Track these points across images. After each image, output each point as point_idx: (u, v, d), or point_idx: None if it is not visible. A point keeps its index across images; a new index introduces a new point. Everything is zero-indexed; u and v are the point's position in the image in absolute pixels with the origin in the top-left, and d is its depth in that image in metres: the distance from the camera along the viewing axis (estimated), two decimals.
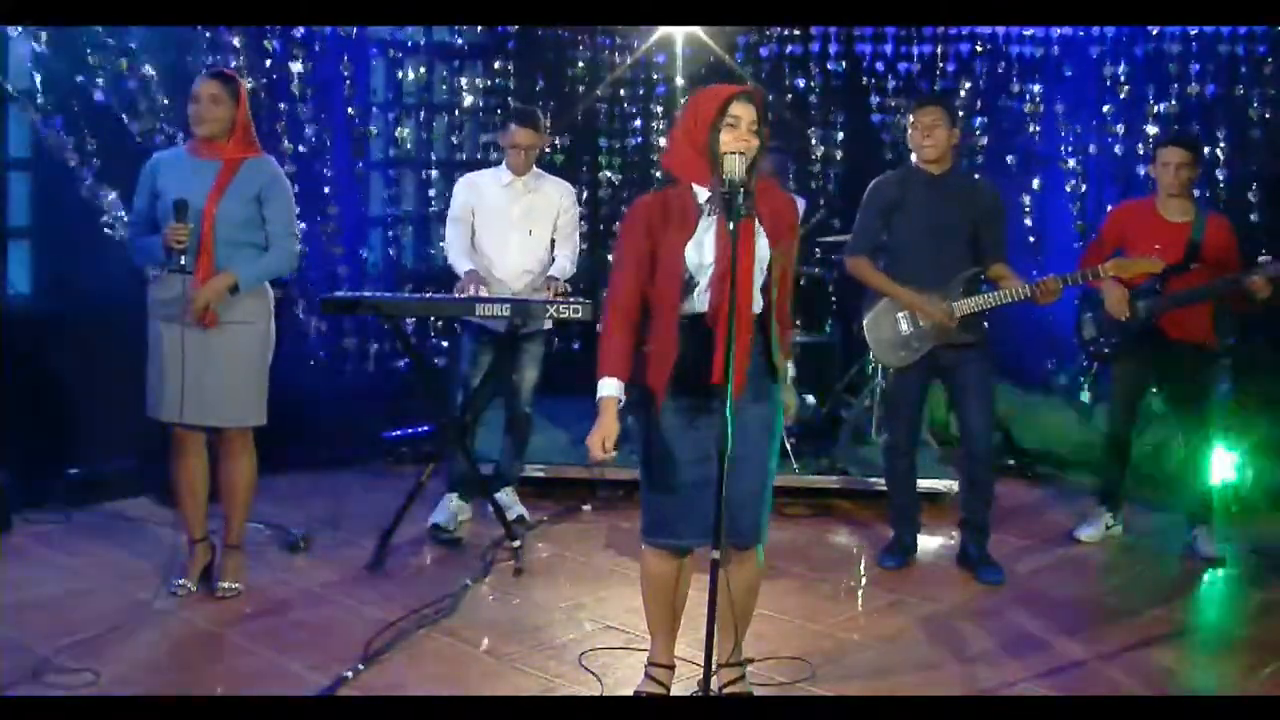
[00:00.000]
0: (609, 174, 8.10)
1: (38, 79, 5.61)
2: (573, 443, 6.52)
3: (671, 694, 3.82)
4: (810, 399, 6.70)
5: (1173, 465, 5.86)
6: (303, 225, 6.45)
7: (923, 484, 5.60)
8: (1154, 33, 6.79)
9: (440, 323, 7.21)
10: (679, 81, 7.67)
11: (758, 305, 3.56)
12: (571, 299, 5.17)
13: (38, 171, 5.81)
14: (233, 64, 6.07)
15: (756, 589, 3.81)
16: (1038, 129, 7.14)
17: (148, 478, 5.84)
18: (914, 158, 5.15)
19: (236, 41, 6.15)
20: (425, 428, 6.89)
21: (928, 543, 5.57)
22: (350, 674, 4.00)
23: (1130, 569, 5.46)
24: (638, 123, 8.04)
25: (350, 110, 6.87)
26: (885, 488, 5.56)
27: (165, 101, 5.82)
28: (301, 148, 6.52)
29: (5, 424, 5.48)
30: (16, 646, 4.15)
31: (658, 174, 8.06)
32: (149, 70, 5.82)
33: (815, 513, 6.08)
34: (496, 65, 7.60)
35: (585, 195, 8.02)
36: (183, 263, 4.37)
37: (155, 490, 5.76)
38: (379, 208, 7.34)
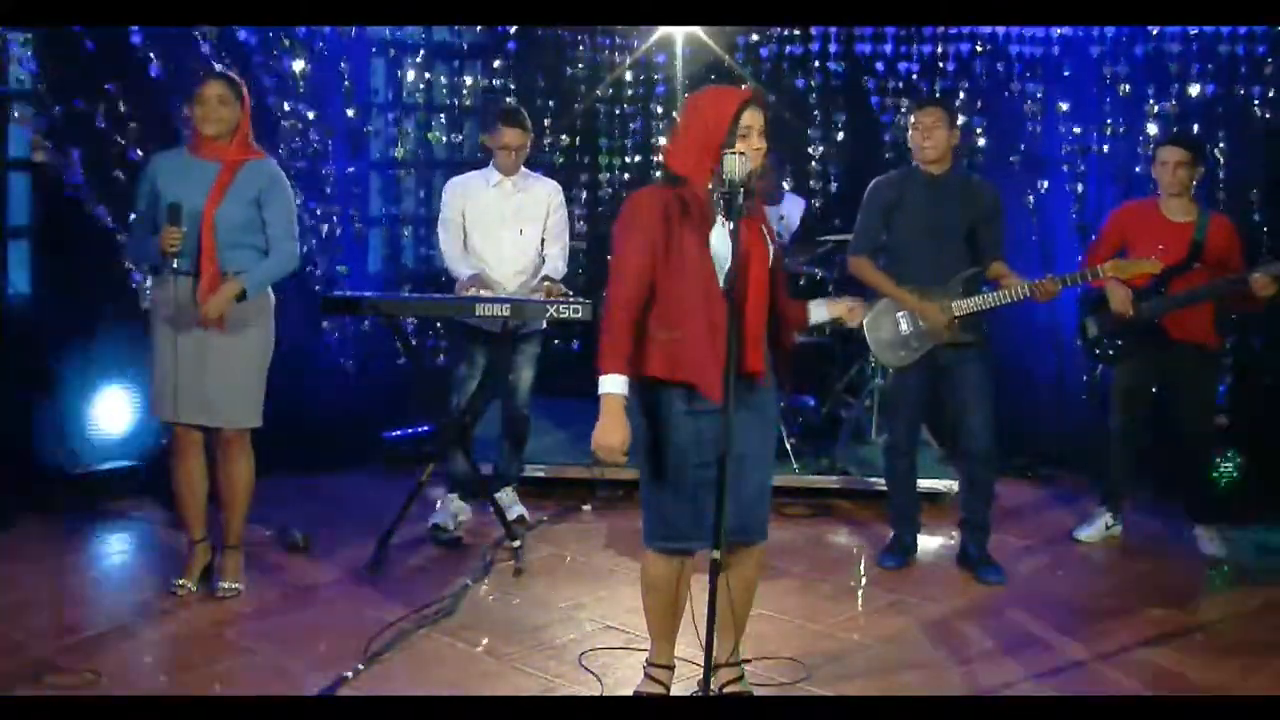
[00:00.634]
0: (609, 174, 8.10)
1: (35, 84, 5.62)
2: (573, 443, 6.53)
3: (671, 694, 3.82)
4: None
5: (1173, 465, 5.85)
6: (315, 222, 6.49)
7: (923, 484, 5.61)
8: (1154, 33, 6.78)
9: (439, 324, 7.20)
10: (679, 81, 7.67)
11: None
12: (571, 299, 5.17)
13: (38, 171, 5.80)
14: (232, 64, 6.06)
15: (756, 586, 3.82)
16: (1038, 129, 7.14)
17: (148, 478, 5.84)
18: (914, 157, 5.16)
19: (245, 37, 6.15)
20: (425, 428, 6.89)
21: (928, 543, 5.57)
22: (350, 674, 4.00)
23: (1130, 569, 5.46)
24: (638, 123, 8.03)
25: (351, 111, 6.87)
26: (885, 488, 5.57)
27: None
28: (301, 147, 6.51)
29: (5, 424, 5.48)
30: (16, 646, 4.16)
31: (658, 174, 8.05)
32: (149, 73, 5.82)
33: (815, 513, 6.08)
34: (496, 65, 7.60)
35: (585, 195, 8.02)
36: (175, 265, 4.40)
37: (155, 490, 5.76)
38: (379, 208, 7.34)
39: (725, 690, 3.74)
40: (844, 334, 6.78)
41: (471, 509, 5.73)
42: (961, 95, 7.24)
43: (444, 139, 7.52)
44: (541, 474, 6.22)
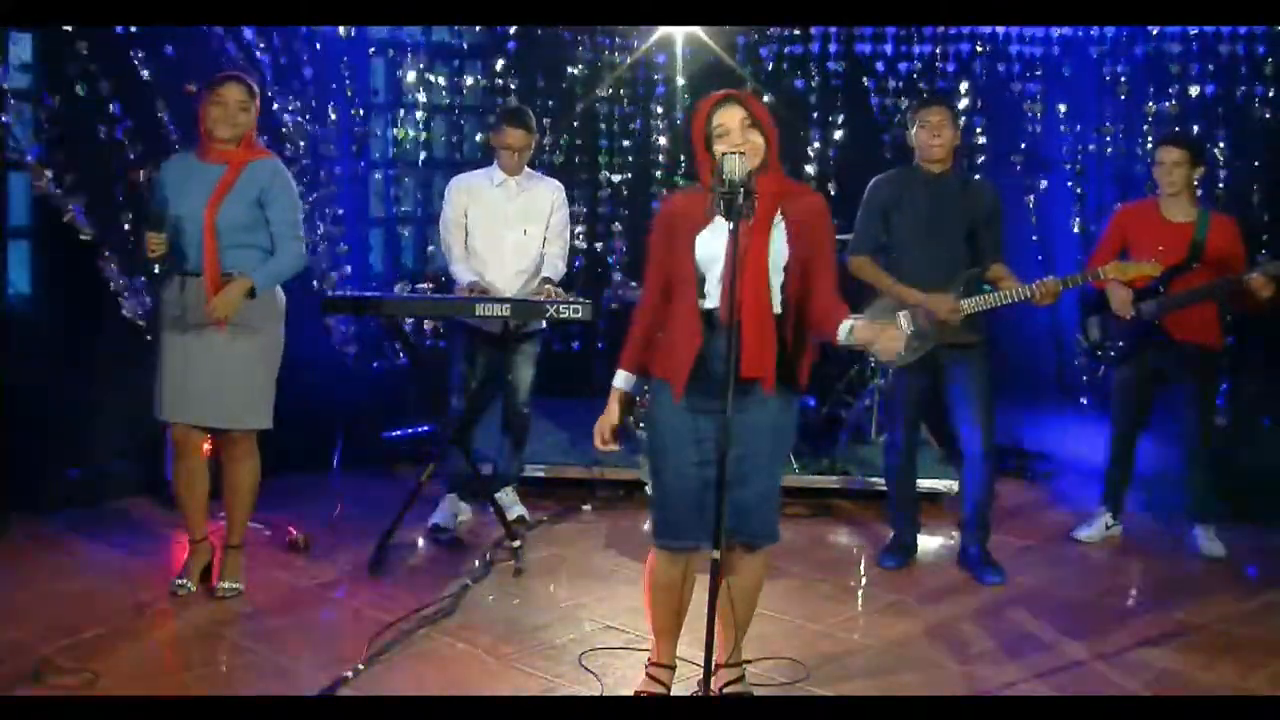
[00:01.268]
0: (609, 174, 8.10)
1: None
2: (573, 443, 6.53)
3: (671, 694, 3.82)
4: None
5: (1174, 465, 5.86)
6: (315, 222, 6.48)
7: (923, 484, 5.61)
8: (1154, 33, 6.78)
9: (438, 324, 7.20)
10: (679, 81, 7.67)
11: (777, 306, 3.54)
12: (571, 299, 5.16)
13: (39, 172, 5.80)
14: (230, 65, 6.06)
15: (757, 590, 3.81)
16: (1038, 129, 7.14)
17: (148, 478, 5.84)
18: (916, 157, 5.15)
19: (250, 37, 6.15)
20: (425, 428, 6.89)
21: (928, 543, 5.57)
22: (350, 674, 4.00)
23: (1130, 569, 5.46)
24: (638, 123, 8.04)
25: (352, 111, 6.86)
26: (885, 488, 5.57)
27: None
28: (301, 147, 6.51)
29: (5, 424, 5.48)
30: (16, 646, 4.16)
31: (658, 174, 8.07)
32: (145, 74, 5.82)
33: (815, 513, 6.08)
34: (497, 65, 7.60)
35: (585, 195, 8.02)
36: (155, 270, 4.43)
37: (155, 490, 5.76)
38: (379, 208, 7.33)
39: (725, 690, 3.74)
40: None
41: (471, 509, 5.73)
42: (962, 95, 7.24)
43: (444, 139, 7.52)
44: (541, 474, 6.22)
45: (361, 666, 4.06)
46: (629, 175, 8.04)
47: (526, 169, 5.60)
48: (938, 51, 7.33)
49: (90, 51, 5.62)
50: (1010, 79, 7.19)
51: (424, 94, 7.38)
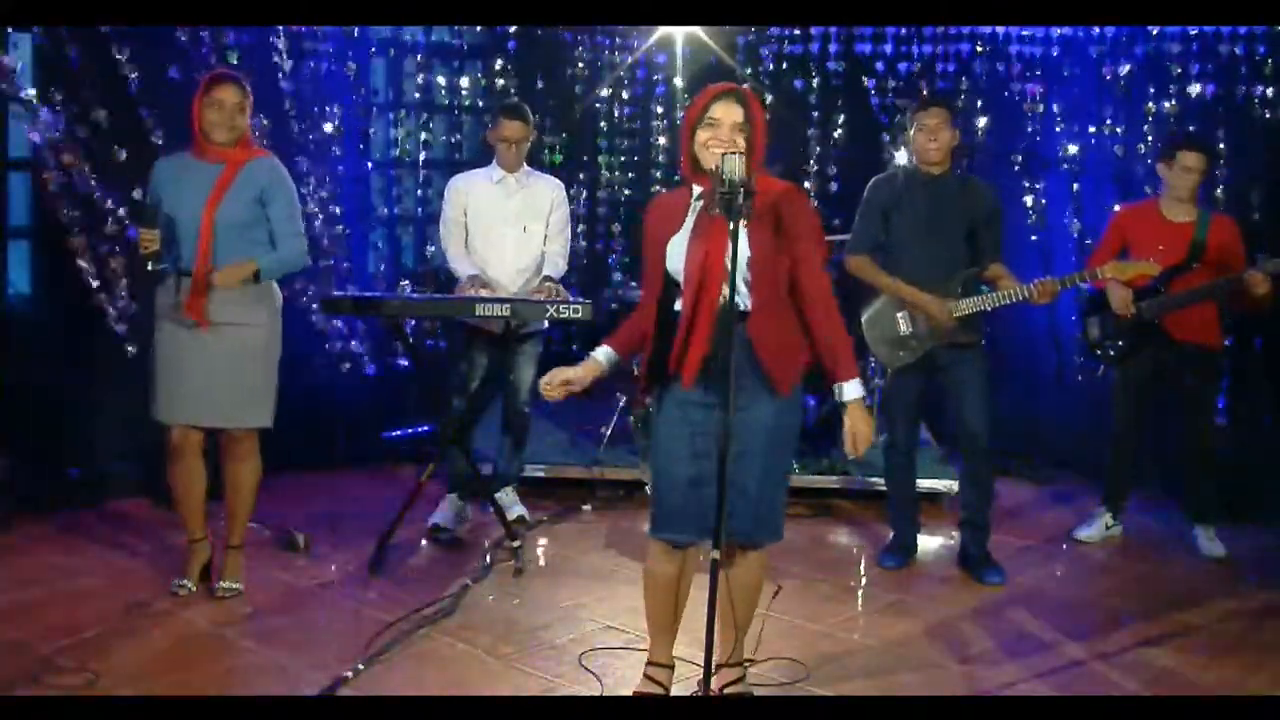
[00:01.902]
0: (609, 174, 8.10)
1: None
2: (573, 443, 6.53)
3: (671, 694, 3.82)
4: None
5: (1173, 465, 5.85)
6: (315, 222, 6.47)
7: (923, 484, 5.61)
8: (1154, 33, 6.77)
9: (438, 324, 7.20)
10: (679, 81, 7.67)
11: (744, 304, 3.54)
12: (571, 299, 5.17)
13: (38, 171, 5.80)
14: (231, 65, 6.06)
15: (757, 589, 3.81)
16: (1038, 129, 7.13)
17: (148, 478, 5.84)
18: (915, 158, 5.15)
19: (250, 39, 6.15)
20: (425, 428, 6.89)
21: (928, 543, 5.57)
22: (350, 674, 4.00)
23: (1130, 569, 5.46)
24: (638, 123, 8.04)
25: (350, 110, 6.86)
26: (885, 488, 5.56)
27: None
28: (301, 148, 6.51)
29: (5, 424, 5.48)
30: (16, 646, 4.16)
31: (658, 174, 8.07)
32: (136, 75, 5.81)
33: (815, 513, 6.08)
34: (496, 65, 7.60)
35: (585, 195, 8.02)
36: (149, 268, 4.40)
37: (155, 490, 5.75)
38: (379, 207, 7.33)
39: (726, 690, 3.74)
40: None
41: (471, 509, 5.73)
42: (962, 95, 7.24)
43: (444, 139, 7.52)
44: (541, 474, 6.21)
45: (361, 666, 4.06)
46: (629, 175, 8.04)
47: (525, 166, 5.60)
48: (938, 51, 7.32)
49: (88, 52, 5.62)
50: (1010, 79, 7.18)
51: (424, 94, 7.37)
